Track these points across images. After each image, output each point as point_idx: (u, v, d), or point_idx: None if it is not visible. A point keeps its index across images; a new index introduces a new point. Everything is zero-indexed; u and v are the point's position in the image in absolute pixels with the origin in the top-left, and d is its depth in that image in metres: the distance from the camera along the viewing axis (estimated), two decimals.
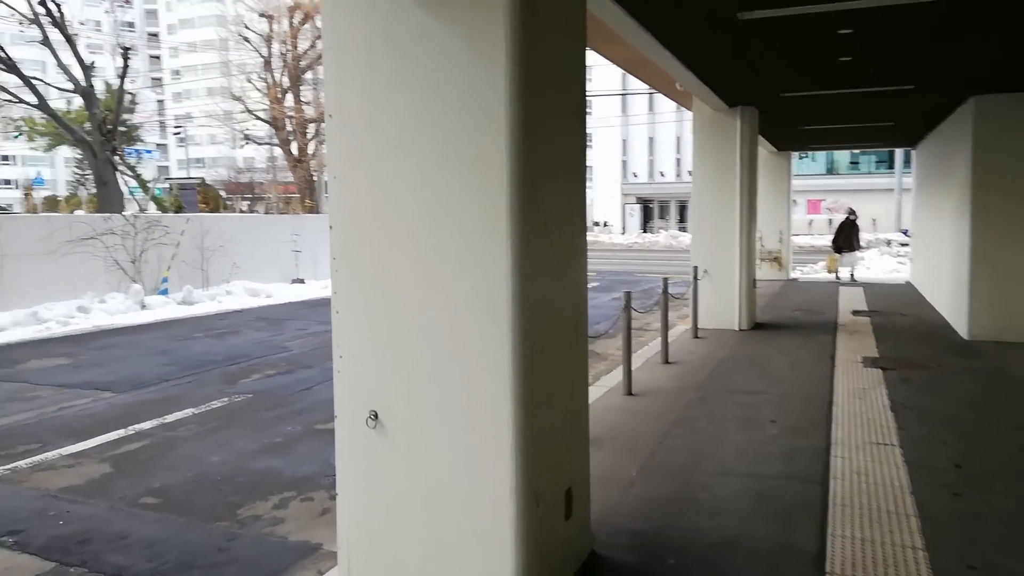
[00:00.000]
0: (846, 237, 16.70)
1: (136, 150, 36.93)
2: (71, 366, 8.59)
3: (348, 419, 3.01)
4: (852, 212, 17.06)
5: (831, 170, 47.31)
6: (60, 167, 63.12)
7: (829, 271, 18.10)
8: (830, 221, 42.75)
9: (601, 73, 47.08)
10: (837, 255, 17.14)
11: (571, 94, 3.16)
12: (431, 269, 2.83)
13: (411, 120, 2.83)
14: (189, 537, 3.98)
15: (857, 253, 17.28)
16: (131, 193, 27.00)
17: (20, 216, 16.16)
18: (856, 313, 11.29)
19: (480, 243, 2.73)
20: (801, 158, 42.56)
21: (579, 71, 3.23)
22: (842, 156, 46.40)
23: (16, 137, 36.14)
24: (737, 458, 4.77)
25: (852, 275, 16.75)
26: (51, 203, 49.97)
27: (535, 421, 2.79)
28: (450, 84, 2.74)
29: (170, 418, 6.32)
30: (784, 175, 17.57)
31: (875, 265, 19.76)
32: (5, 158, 62.51)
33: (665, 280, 8.08)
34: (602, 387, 6.61)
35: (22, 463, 5.18)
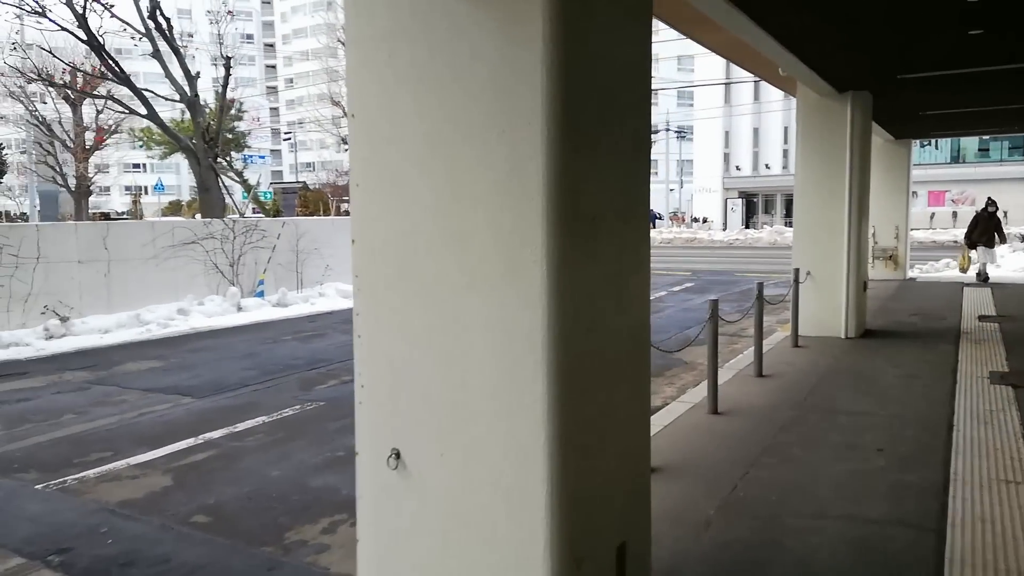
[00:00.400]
0: (983, 231, 15.04)
1: (247, 156, 38.64)
2: (161, 369, 8.81)
3: (369, 457, 2.71)
4: (992, 203, 15.25)
5: (957, 158, 43.78)
6: (184, 173, 67.15)
7: (962, 270, 16.36)
8: (954, 214, 39.57)
9: (703, 62, 45.46)
10: (971, 251, 15.48)
11: (631, 84, 2.72)
12: (460, 289, 2.48)
13: (438, 119, 2.49)
14: (231, 563, 3.81)
15: (996, 250, 15.55)
16: (243, 198, 28.17)
17: (127, 223, 17.06)
18: (983, 319, 10.10)
19: (512, 258, 2.35)
20: (923, 146, 39.59)
21: (641, 59, 2.78)
22: (969, 143, 42.80)
23: (140, 147, 38.66)
24: (836, 495, 4.16)
25: (983, 274, 15.08)
26: (175, 207, 53.26)
27: (576, 469, 2.39)
28: (481, 78, 2.39)
29: (240, 427, 6.28)
30: (902, 165, 16.13)
31: (1006, 263, 17.83)
32: (135, 166, 67.04)
33: (760, 284, 7.40)
34: (685, 403, 6.07)
35: (90, 473, 5.21)
